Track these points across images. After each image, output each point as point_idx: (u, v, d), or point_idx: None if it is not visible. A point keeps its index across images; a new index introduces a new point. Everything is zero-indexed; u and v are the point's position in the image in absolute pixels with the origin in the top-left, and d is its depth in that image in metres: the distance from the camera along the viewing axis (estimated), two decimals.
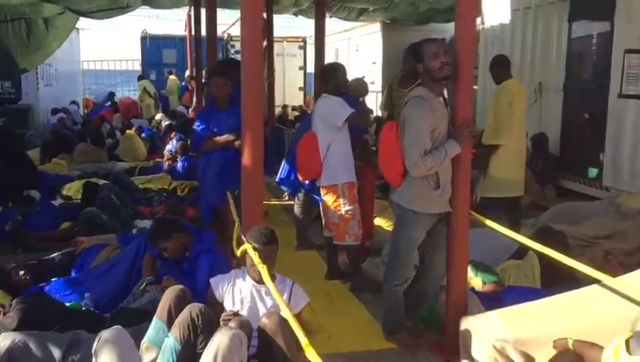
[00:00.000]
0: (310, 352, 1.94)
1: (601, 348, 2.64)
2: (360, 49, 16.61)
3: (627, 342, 2.38)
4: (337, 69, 5.16)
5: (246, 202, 3.42)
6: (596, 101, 7.28)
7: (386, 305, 3.84)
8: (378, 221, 5.96)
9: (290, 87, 18.03)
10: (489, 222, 3.71)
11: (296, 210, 5.90)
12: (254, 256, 2.95)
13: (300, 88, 18.36)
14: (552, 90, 8.11)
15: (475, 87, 8.73)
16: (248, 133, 3.36)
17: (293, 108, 16.33)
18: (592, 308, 3.17)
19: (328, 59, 17.97)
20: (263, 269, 2.82)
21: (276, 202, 7.69)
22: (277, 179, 6.22)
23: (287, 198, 7.32)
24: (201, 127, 5.15)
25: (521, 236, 3.84)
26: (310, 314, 4.06)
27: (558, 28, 8.01)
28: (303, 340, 2.04)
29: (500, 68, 5.62)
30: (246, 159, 3.38)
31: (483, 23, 10.09)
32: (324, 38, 7.60)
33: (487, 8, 10.01)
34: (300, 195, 5.78)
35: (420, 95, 3.58)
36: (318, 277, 5.02)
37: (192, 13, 11.80)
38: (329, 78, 5.01)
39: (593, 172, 7.32)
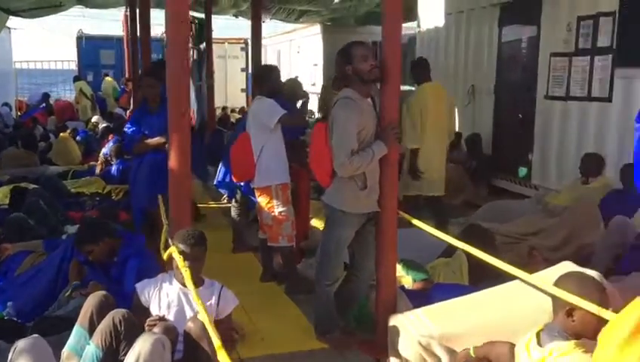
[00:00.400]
0: (222, 355, 1.93)
1: (505, 343, 2.74)
2: (301, 51, 16.68)
3: (538, 335, 2.47)
4: (271, 71, 5.17)
5: (173, 205, 3.37)
6: (525, 102, 7.54)
7: (318, 305, 3.87)
8: (314, 222, 5.98)
9: (232, 89, 17.93)
10: (416, 222, 3.79)
11: (233, 212, 5.87)
12: (179, 258, 2.91)
13: (243, 90, 18.27)
14: (485, 92, 8.35)
15: (413, 88, 8.90)
16: (174, 136, 3.32)
17: (233, 110, 16.23)
18: (512, 303, 3.27)
19: (270, 60, 18.04)
20: (185, 272, 2.78)
21: (215, 205, 7.62)
22: (215, 182, 6.19)
23: (225, 201, 7.26)
24: (131, 129, 5.06)
25: (446, 234, 3.93)
26: (243, 316, 4.05)
27: (489, 32, 8.25)
28: (216, 343, 2.03)
29: (420, 70, 5.84)
30: (172, 161, 3.34)
31: (419, 26, 10.30)
32: (261, 39, 7.59)
33: (423, 12, 10.23)
34: (238, 197, 5.75)
35: (347, 96, 3.63)
36: (253, 280, 5.01)
37: (129, 13, 11.56)
38: (263, 80, 5.00)
39: (523, 171, 7.58)
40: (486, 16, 8.33)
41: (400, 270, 4.44)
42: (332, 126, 3.62)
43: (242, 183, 5.32)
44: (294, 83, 6.29)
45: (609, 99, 6.20)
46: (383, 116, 3.66)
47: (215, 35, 10.82)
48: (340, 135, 3.53)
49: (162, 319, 2.96)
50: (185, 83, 3.29)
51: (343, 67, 3.75)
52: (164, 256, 3.21)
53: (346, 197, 3.62)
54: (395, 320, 3.49)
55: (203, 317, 2.46)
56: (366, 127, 3.58)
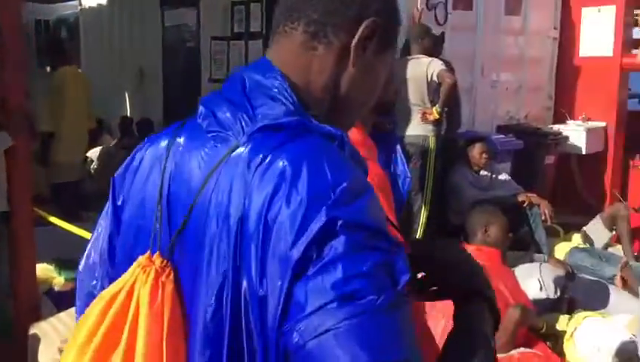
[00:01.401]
0: None
1: None
2: None
3: None
4: None
5: None
6: (192, 85, 7.61)
7: None
8: None
9: None
10: (54, 219, 3.49)
11: None
12: None
13: None
14: (153, 76, 8.21)
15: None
16: None
17: None
18: None
19: None
20: None
21: None
22: None
23: None
24: None
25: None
26: None
27: (153, 14, 8.09)
28: None
29: (56, 53, 5.74)
30: None
31: (81, 4, 9.60)
32: None
33: None
34: None
35: None
36: None
37: None
38: None
39: None
40: None
41: (52, 270, 4.10)
42: None
43: None
44: None
45: None
46: (8, 102, 3.23)
47: None
48: None
49: None
50: None
51: None
52: None
53: None
54: (35, 328, 3.16)
55: None
56: None
